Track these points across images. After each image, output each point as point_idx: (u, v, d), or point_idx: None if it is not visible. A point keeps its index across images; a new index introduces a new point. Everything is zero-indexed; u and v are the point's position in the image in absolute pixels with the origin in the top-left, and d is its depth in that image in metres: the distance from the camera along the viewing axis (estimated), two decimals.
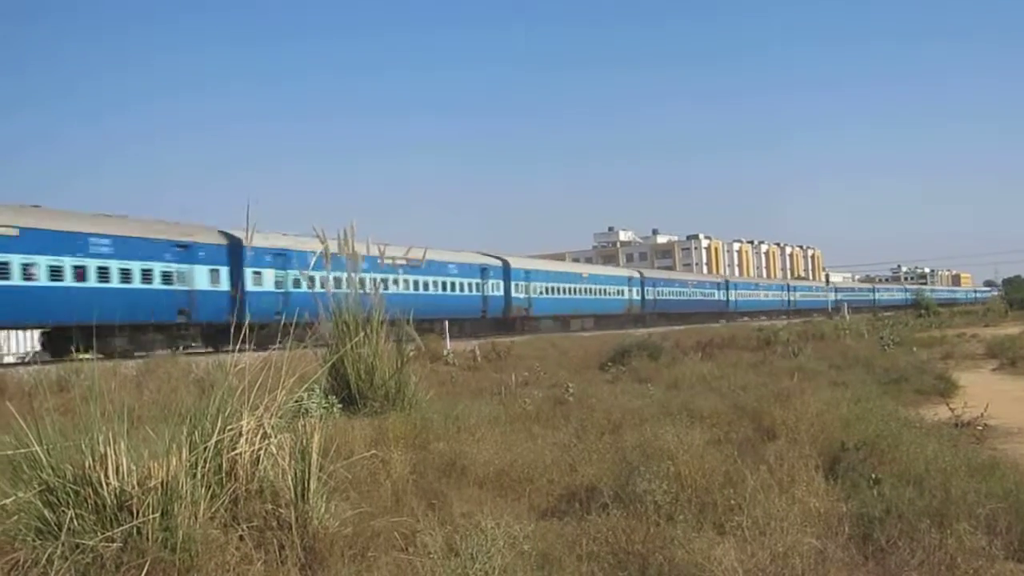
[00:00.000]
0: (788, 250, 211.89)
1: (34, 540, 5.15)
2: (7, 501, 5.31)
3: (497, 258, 65.02)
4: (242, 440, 6.02)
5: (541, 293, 68.89)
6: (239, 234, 39.24)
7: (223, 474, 5.90)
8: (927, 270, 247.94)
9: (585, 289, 76.97)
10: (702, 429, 8.99)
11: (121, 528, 5.19)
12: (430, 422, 9.69)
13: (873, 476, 7.15)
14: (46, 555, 4.99)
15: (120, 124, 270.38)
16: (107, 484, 5.31)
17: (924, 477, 7.27)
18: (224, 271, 42.15)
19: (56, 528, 5.17)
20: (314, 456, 6.08)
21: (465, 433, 9.13)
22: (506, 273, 64.79)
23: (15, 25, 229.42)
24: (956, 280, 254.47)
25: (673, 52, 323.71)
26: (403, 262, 47.83)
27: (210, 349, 38.17)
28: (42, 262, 34.41)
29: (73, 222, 36.89)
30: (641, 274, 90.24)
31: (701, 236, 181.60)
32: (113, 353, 31.19)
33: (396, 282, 49.35)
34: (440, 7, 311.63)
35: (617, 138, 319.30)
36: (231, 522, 5.68)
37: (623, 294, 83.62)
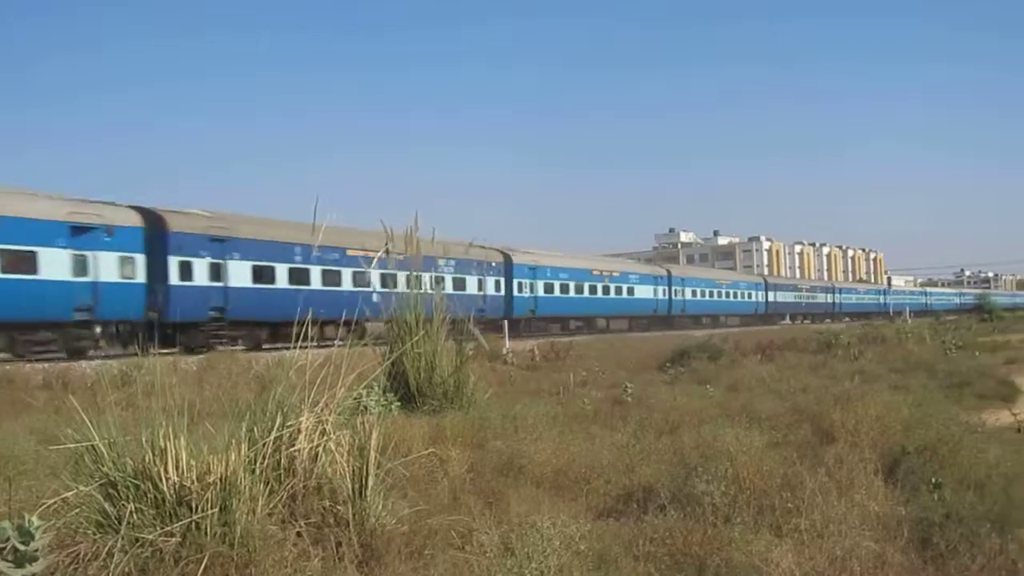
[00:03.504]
0: (850, 252, 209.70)
1: (94, 533, 5.20)
2: (69, 494, 5.37)
3: None
4: (301, 437, 6.06)
5: None
6: None
7: (282, 470, 5.95)
8: (991, 274, 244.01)
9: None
10: (761, 431, 8.92)
11: (180, 523, 5.24)
12: (488, 421, 9.71)
13: (933, 480, 7.07)
14: (106, 548, 5.05)
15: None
16: (167, 479, 5.37)
17: (985, 482, 7.22)
18: None
19: (116, 522, 5.22)
20: (372, 453, 6.10)
21: (523, 432, 9.12)
22: None
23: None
24: (1022, 285, 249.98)
25: (743, 53, 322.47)
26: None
27: None
28: None
29: None
30: (506, 256, 56.03)
31: (763, 238, 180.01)
32: None
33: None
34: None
35: (681, 140, 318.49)
36: (289, 518, 5.72)
37: (476, 288, 51.30)
